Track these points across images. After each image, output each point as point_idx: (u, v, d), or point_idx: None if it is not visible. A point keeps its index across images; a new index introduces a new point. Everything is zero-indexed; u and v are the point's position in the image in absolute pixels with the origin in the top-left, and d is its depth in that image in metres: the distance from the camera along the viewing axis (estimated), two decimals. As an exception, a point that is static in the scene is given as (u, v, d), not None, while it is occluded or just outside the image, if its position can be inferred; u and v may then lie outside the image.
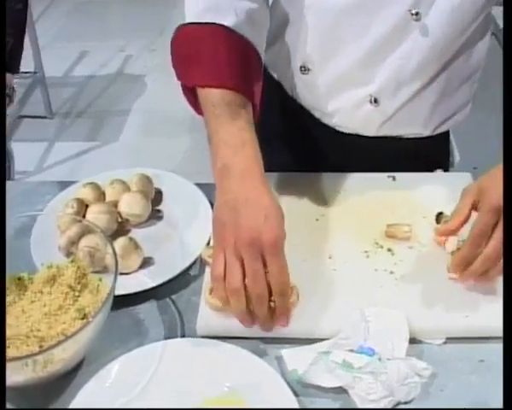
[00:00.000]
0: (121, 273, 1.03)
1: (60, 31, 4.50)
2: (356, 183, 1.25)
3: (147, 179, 1.22)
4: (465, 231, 1.10)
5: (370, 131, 1.28)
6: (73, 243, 1.07)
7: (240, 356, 0.94)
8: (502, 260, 0.97)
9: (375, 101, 1.22)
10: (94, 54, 4.26)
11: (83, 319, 0.94)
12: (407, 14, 1.11)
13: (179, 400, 0.89)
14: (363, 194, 1.22)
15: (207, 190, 1.24)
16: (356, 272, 1.06)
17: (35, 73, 3.50)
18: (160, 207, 1.22)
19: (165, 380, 0.92)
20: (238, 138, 0.99)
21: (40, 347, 0.90)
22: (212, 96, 1.02)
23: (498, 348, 0.97)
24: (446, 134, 1.37)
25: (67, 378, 0.94)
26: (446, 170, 1.41)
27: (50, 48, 4.01)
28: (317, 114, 1.31)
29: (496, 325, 0.98)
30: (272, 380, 0.91)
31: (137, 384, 0.91)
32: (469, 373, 0.95)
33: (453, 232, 1.07)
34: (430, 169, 1.35)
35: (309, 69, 1.25)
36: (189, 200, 1.22)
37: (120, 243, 1.08)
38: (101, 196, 1.20)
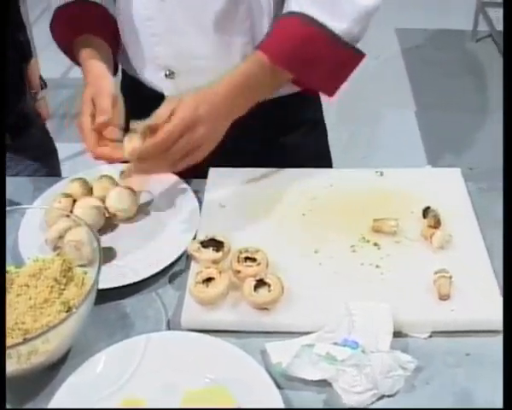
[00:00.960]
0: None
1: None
2: (343, 178, 1.25)
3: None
4: (452, 226, 1.11)
5: None
6: (61, 236, 1.07)
7: (223, 349, 0.94)
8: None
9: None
10: (91, 56, 4.25)
11: (68, 311, 0.94)
12: None
13: (162, 392, 0.89)
14: (351, 189, 1.22)
15: (195, 186, 1.25)
16: (342, 267, 1.06)
17: (32, 74, 3.50)
18: (147, 203, 1.22)
19: (149, 373, 0.92)
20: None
21: (24, 339, 0.90)
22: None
23: (484, 341, 0.98)
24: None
25: (52, 371, 0.94)
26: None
27: (48, 50, 3.99)
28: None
29: (481, 318, 0.99)
30: (256, 373, 0.90)
31: (121, 377, 0.91)
32: (455, 367, 0.94)
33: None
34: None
35: (173, 72, 1.30)
36: (176, 195, 1.23)
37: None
38: (88, 191, 1.20)
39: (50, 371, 0.94)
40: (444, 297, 1.00)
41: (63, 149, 3.47)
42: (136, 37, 1.29)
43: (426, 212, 1.14)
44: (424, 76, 4.12)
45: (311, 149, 1.43)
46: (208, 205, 1.20)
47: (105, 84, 1.16)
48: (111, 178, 1.21)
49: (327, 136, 1.51)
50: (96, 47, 1.24)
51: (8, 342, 0.89)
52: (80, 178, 1.21)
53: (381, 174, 1.26)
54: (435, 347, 0.97)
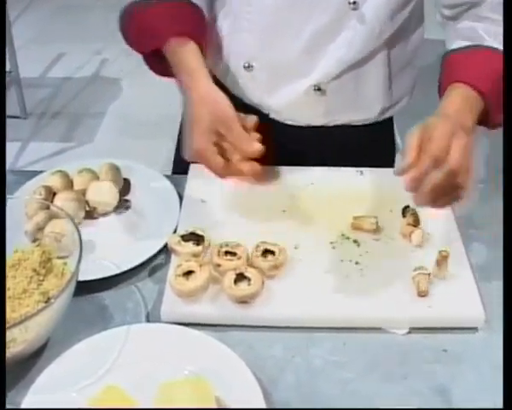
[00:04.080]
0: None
1: (37, 32, 4.47)
2: (323, 176, 1.26)
3: (115, 169, 1.22)
4: (430, 225, 1.12)
5: (317, 120, 1.32)
6: (40, 228, 1.07)
7: (203, 341, 0.94)
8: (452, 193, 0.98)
9: (319, 89, 1.26)
10: (70, 56, 4.23)
11: (47, 302, 0.94)
12: (345, 4, 1.16)
13: (138, 384, 0.88)
14: (331, 187, 1.23)
15: (176, 181, 1.25)
16: (321, 263, 1.07)
17: (10, 72, 3.48)
18: (128, 197, 1.22)
19: (129, 364, 0.91)
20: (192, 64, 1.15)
21: (2, 328, 0.89)
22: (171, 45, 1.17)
23: (461, 337, 0.99)
24: (390, 121, 1.42)
25: (31, 361, 0.94)
26: (393, 156, 1.46)
27: (27, 49, 3.98)
28: (264, 110, 1.33)
29: (459, 315, 1.00)
30: (235, 366, 0.90)
31: (101, 367, 0.91)
32: (433, 362, 0.95)
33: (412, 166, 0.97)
34: (377, 156, 1.39)
35: (252, 66, 1.28)
36: (157, 190, 1.23)
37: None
38: (69, 183, 1.20)
39: (29, 361, 0.93)
40: (422, 294, 1.01)
41: (40, 148, 3.48)
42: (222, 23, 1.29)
43: (405, 210, 1.15)
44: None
45: None
46: (189, 200, 1.20)
47: (224, 106, 1.12)
48: (91, 171, 1.21)
49: None
50: (199, 56, 1.17)
51: (-14, 331, 0.88)
52: (61, 171, 1.21)
53: (361, 173, 1.26)
54: (413, 343, 0.98)
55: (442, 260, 1.03)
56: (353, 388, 0.92)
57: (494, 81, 1.09)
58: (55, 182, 1.18)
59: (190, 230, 1.08)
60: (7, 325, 0.88)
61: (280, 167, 1.28)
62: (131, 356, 0.92)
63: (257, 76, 1.29)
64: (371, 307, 1.00)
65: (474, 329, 1.00)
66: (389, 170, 1.26)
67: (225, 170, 1.12)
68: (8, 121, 3.54)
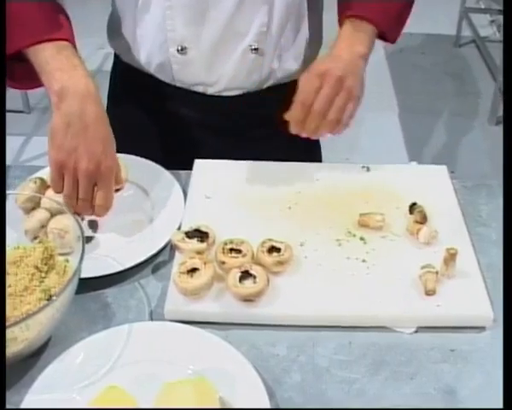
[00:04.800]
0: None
1: (40, 27, 4.46)
2: (329, 172, 1.24)
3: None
4: (438, 222, 1.11)
5: (253, 85, 1.34)
6: (43, 226, 1.05)
7: (206, 340, 0.92)
8: (331, 117, 1.12)
9: (256, 50, 1.28)
10: (74, 50, 4.22)
11: (48, 300, 0.92)
12: None
13: (141, 383, 0.87)
14: (337, 183, 1.21)
15: (180, 177, 1.24)
16: (327, 260, 1.05)
17: (13, 67, 3.47)
18: (130, 193, 1.21)
19: (131, 363, 0.90)
20: (69, 64, 1.07)
21: (3, 326, 0.88)
22: (36, 48, 1.08)
23: (469, 337, 0.98)
24: None
25: (32, 359, 0.92)
26: None
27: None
28: (200, 89, 1.34)
29: (467, 314, 0.98)
30: (240, 365, 0.89)
31: (103, 366, 0.89)
32: (440, 362, 0.94)
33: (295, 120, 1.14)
34: None
35: (185, 48, 1.28)
36: (160, 185, 1.21)
37: None
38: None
39: (30, 360, 0.92)
40: (430, 292, 0.99)
41: (43, 142, 3.45)
42: (147, 12, 1.27)
43: (412, 208, 1.13)
44: (408, 80, 4.13)
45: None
46: (193, 196, 1.18)
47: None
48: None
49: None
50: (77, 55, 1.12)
51: (-13, 329, 0.87)
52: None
53: (368, 170, 1.25)
54: (420, 342, 0.97)
55: (450, 258, 1.02)
56: (359, 387, 0.91)
57: (382, 10, 1.21)
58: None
59: (194, 226, 1.06)
60: (7, 323, 0.87)
61: (285, 164, 1.26)
62: (134, 355, 0.91)
63: (192, 56, 1.29)
64: (378, 305, 0.98)
65: (482, 328, 0.98)
66: (396, 166, 1.27)
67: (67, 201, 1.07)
68: (12, 116, 3.54)
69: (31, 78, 1.11)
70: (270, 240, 1.04)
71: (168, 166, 1.26)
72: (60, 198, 1.10)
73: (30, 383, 0.87)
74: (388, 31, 1.24)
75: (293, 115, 1.13)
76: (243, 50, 1.27)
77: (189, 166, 1.27)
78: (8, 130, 3.33)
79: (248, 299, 0.97)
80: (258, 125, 1.39)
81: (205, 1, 1.22)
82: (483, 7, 4.84)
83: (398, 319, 0.98)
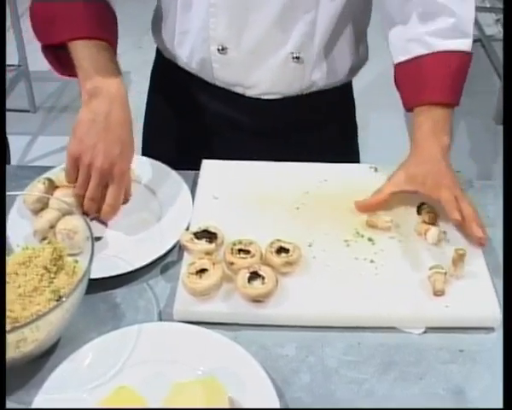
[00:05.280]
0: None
1: (46, 26, 4.46)
2: (337, 173, 1.24)
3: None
4: (446, 223, 1.11)
5: (294, 90, 1.32)
6: (52, 226, 1.05)
7: (216, 341, 0.92)
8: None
9: (297, 58, 1.26)
10: (80, 49, 4.22)
11: (58, 300, 0.92)
12: None
13: (152, 383, 0.87)
14: (345, 184, 1.21)
15: (188, 177, 1.24)
16: (336, 260, 1.05)
17: (19, 66, 3.47)
18: (138, 193, 1.21)
19: (140, 363, 0.90)
20: (106, 66, 1.13)
21: (13, 327, 0.88)
22: (79, 43, 1.15)
23: (478, 338, 0.98)
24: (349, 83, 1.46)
25: (42, 360, 0.92)
26: (351, 115, 1.52)
27: (36, 42, 3.96)
28: (239, 90, 1.34)
29: (475, 315, 0.98)
30: (249, 366, 0.89)
31: (112, 367, 0.90)
32: (449, 363, 0.94)
33: (370, 209, 1.13)
34: (340, 117, 1.47)
35: (226, 48, 1.28)
36: (168, 186, 1.21)
37: None
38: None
39: (40, 361, 0.92)
40: (438, 293, 0.99)
41: (49, 142, 3.47)
42: (190, 8, 1.28)
43: (420, 208, 1.13)
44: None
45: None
46: (201, 197, 1.18)
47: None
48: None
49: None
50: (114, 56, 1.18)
51: (-3, 330, 0.87)
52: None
53: (376, 170, 1.25)
54: (429, 343, 0.97)
55: (458, 258, 1.02)
56: (368, 388, 0.91)
57: (451, 85, 1.18)
58: (63, 178, 1.16)
59: (203, 227, 1.06)
60: (17, 324, 0.87)
61: (293, 164, 1.26)
62: (143, 356, 0.91)
63: (233, 57, 1.28)
64: (386, 306, 0.98)
65: (491, 329, 0.98)
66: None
67: (77, 195, 1.11)
68: (17, 115, 3.55)
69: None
70: (278, 241, 1.04)
71: (199, 163, 1.27)
72: (68, 199, 1.10)
73: (40, 383, 0.87)
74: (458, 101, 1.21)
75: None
76: (284, 58, 1.27)
77: None
78: (13, 129, 3.36)
79: (257, 300, 0.97)
80: (297, 129, 1.39)
81: (247, 3, 1.21)
82: (488, 6, 4.82)
83: (407, 320, 0.98)
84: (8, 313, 0.90)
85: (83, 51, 1.14)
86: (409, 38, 1.21)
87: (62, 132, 3.46)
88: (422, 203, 1.13)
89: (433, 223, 1.10)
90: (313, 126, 1.39)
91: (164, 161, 1.26)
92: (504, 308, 0.94)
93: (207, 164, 1.25)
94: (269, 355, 0.94)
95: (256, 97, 1.33)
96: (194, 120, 1.42)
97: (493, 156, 3.31)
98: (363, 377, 0.92)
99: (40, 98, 3.71)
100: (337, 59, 1.33)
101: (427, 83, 1.18)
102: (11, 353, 0.85)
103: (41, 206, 1.10)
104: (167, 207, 1.17)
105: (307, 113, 1.35)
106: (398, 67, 1.24)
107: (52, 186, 1.15)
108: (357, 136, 1.54)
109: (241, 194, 1.19)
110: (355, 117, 1.52)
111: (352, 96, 1.50)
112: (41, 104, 3.71)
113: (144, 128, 1.54)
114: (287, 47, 1.25)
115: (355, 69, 1.39)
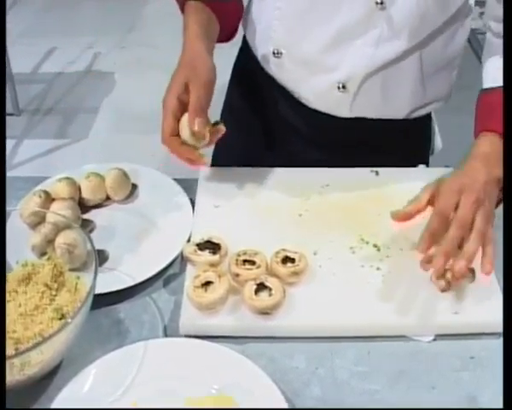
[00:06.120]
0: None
1: (28, 27, 4.42)
2: (338, 177, 1.22)
3: (123, 175, 1.18)
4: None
5: (343, 112, 1.29)
6: (50, 241, 1.03)
7: (225, 356, 0.90)
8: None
9: (344, 87, 1.24)
10: (62, 50, 4.18)
11: (61, 319, 0.90)
12: (372, 3, 1.13)
13: (160, 400, 0.85)
14: (347, 189, 1.19)
15: (185, 184, 1.21)
16: (342, 269, 1.04)
17: (1, 69, 3.43)
18: (137, 203, 1.19)
19: (148, 382, 0.88)
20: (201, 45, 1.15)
21: (16, 349, 0.86)
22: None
23: (489, 344, 0.97)
24: (425, 119, 1.38)
25: (46, 381, 0.90)
26: (426, 156, 1.44)
27: (18, 44, 3.92)
28: (295, 95, 1.32)
29: (485, 320, 0.97)
30: (259, 380, 0.87)
31: (120, 386, 0.87)
32: (460, 370, 0.93)
33: (408, 218, 1.06)
34: (409, 152, 1.38)
35: (281, 53, 1.27)
36: (167, 196, 1.19)
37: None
38: (76, 190, 1.15)
39: (44, 382, 0.90)
40: (444, 289, 0.98)
41: (35, 145, 3.43)
42: (260, 6, 1.30)
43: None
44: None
45: None
46: (202, 206, 1.16)
47: (202, 69, 1.12)
48: (99, 175, 1.17)
49: None
50: (204, 22, 1.20)
51: (-1, 351, 0.85)
52: (68, 178, 1.16)
53: (377, 174, 1.23)
54: (439, 350, 0.96)
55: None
56: (380, 398, 0.89)
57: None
58: (61, 189, 1.14)
59: (206, 238, 1.04)
60: (21, 347, 0.85)
61: (293, 169, 1.24)
62: (152, 374, 0.89)
63: (285, 64, 1.28)
64: (395, 314, 0.97)
65: (500, 334, 0.97)
66: (404, 170, 1.25)
67: (171, 141, 1.09)
68: (2, 119, 3.49)
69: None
70: (283, 250, 1.03)
71: (260, 162, 1.27)
72: (66, 212, 1.08)
73: (48, 403, 0.85)
74: None
75: (430, 226, 1.02)
76: (330, 85, 1.25)
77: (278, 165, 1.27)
78: (-2, 133, 3.29)
79: (265, 312, 0.96)
80: (355, 145, 1.34)
81: (310, 15, 1.20)
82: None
83: (416, 328, 0.97)
84: (10, 334, 0.88)
85: (190, 18, 1.19)
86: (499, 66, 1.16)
87: (48, 135, 3.47)
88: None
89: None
90: (374, 149, 1.33)
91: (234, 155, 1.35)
92: (504, 308, 0.93)
93: (205, 172, 1.23)
94: (278, 368, 0.92)
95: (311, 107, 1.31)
96: (260, 119, 1.42)
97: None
98: (374, 387, 0.91)
99: (24, 101, 3.67)
100: (393, 96, 1.28)
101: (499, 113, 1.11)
102: (15, 375, 0.83)
103: (38, 220, 1.07)
104: (167, 217, 1.15)
105: (362, 135, 1.31)
106: (484, 92, 1.20)
107: (49, 199, 1.12)
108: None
109: (242, 202, 1.17)
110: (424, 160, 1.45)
111: (427, 135, 1.44)
112: (25, 107, 3.67)
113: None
114: (335, 74, 1.23)
115: (418, 108, 1.33)
